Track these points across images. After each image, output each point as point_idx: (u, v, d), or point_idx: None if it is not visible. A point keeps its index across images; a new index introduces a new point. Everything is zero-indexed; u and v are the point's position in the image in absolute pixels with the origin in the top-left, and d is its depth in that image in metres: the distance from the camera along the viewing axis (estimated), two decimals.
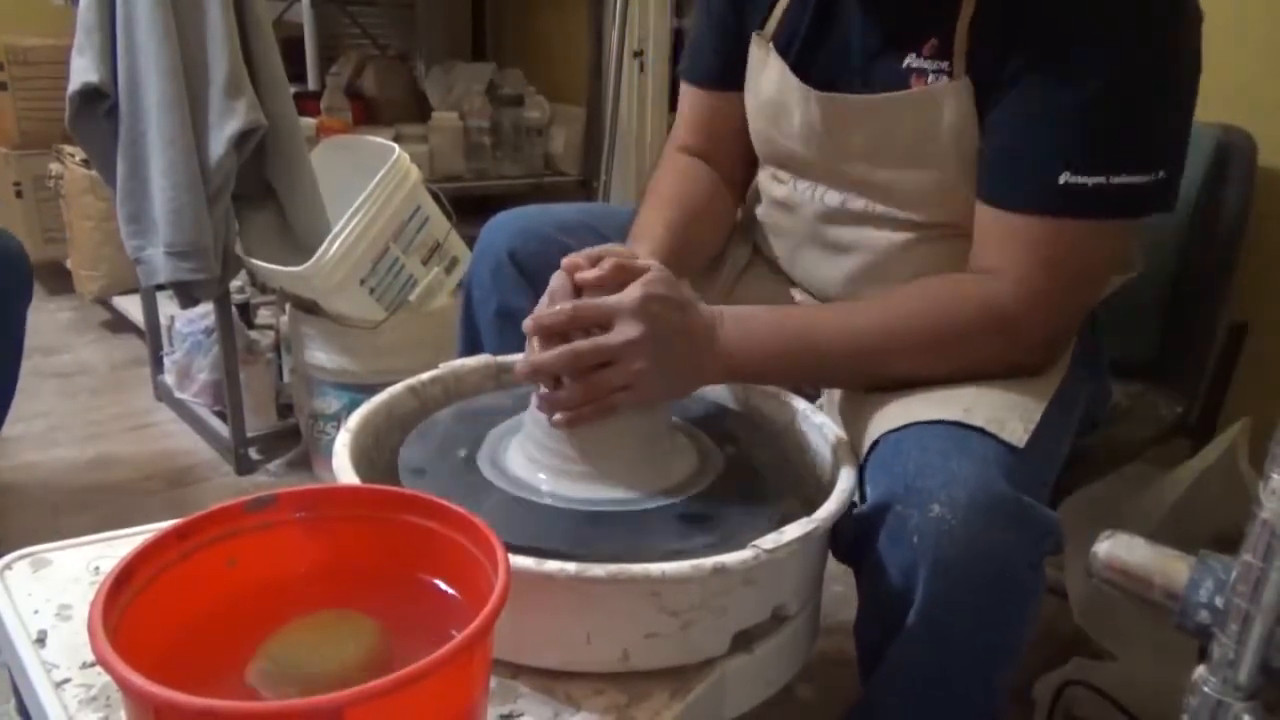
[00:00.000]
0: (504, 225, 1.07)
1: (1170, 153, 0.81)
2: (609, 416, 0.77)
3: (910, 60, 0.87)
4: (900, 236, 0.93)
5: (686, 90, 1.11)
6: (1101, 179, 0.77)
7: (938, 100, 0.85)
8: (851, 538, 0.77)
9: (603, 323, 0.75)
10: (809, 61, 0.95)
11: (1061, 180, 0.78)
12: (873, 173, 0.92)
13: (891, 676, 0.77)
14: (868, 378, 0.85)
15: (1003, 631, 0.74)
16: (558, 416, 0.77)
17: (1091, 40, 0.77)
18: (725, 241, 1.10)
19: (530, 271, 1.03)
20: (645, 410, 0.80)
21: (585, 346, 0.75)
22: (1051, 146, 0.79)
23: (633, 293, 0.75)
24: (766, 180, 1.06)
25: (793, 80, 0.94)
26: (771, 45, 0.97)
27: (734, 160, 1.09)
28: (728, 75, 1.04)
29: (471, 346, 1.08)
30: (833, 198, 0.97)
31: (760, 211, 1.08)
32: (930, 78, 0.86)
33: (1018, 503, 0.70)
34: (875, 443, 0.81)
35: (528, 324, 0.77)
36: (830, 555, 0.84)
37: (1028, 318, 0.81)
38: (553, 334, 0.76)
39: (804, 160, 0.99)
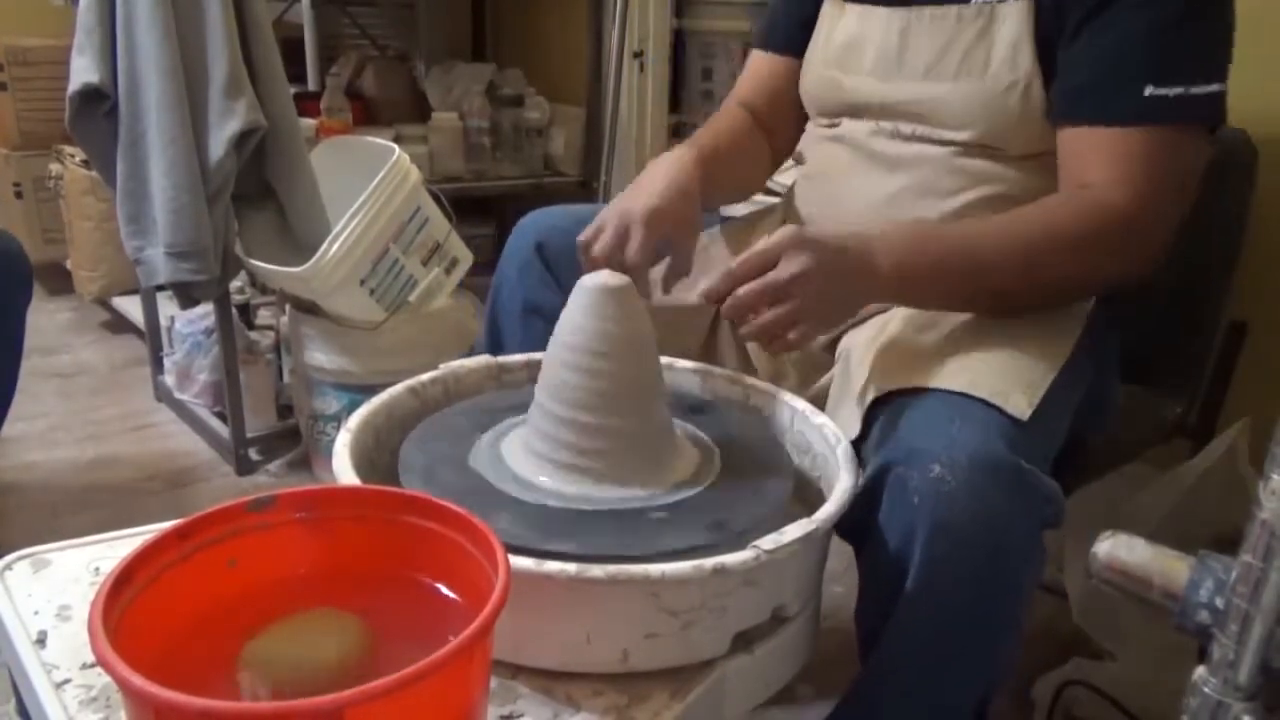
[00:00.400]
0: (532, 223, 1.10)
1: (1224, 67, 0.88)
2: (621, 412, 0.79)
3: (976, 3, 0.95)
4: (945, 151, 0.97)
5: (759, 56, 1.19)
6: (1181, 89, 0.85)
7: (998, 15, 0.93)
8: (856, 510, 0.77)
9: (766, 266, 0.80)
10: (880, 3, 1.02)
11: (1146, 93, 0.85)
12: (928, 89, 0.97)
13: (890, 648, 0.78)
14: (1017, 293, 0.88)
15: (1000, 600, 0.74)
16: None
17: None
18: (756, 187, 1.20)
19: (556, 265, 1.05)
20: (646, 410, 0.80)
21: (753, 291, 0.80)
22: (1134, 64, 0.86)
23: (784, 231, 0.81)
24: (816, 130, 1.12)
25: (873, 10, 1.02)
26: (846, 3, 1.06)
27: (785, 126, 1.17)
28: (791, 42, 1.13)
29: (495, 344, 1.09)
30: (885, 125, 1.02)
31: (807, 162, 1.14)
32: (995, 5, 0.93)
33: (1018, 468, 0.71)
34: (878, 409, 0.82)
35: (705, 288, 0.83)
36: (830, 555, 0.84)
37: (1145, 219, 0.87)
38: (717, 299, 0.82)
39: (863, 102, 1.04)
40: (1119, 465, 1.18)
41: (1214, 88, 0.87)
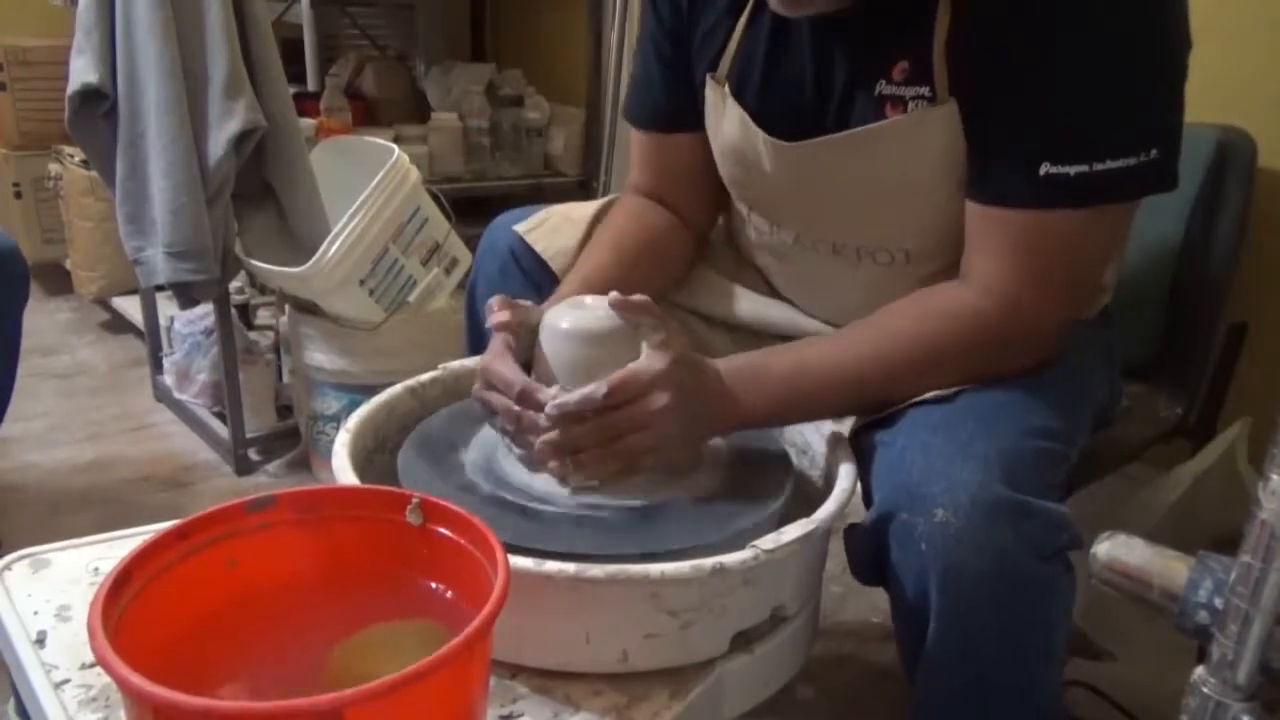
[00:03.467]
0: (507, 226, 1.07)
1: (1161, 131, 0.76)
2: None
3: (881, 88, 0.82)
4: (893, 268, 0.92)
5: (646, 138, 1.06)
6: (1084, 167, 0.74)
7: (924, 128, 0.81)
8: (868, 556, 0.77)
9: (638, 396, 0.74)
10: (769, 104, 0.89)
11: (1042, 172, 0.75)
12: (856, 213, 0.90)
13: (927, 689, 0.77)
14: (869, 405, 0.84)
15: (1027, 634, 0.73)
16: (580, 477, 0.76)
17: (1064, 27, 0.74)
18: (674, 283, 1.06)
19: (533, 272, 1.03)
20: None
21: (620, 418, 0.74)
22: (1030, 139, 0.76)
23: (660, 362, 0.74)
24: (748, 217, 1.02)
25: (756, 131, 0.89)
26: (728, 88, 0.92)
27: (692, 200, 1.05)
28: (677, 117, 1.00)
29: (477, 346, 1.07)
30: (823, 246, 0.94)
31: (763, 258, 1.06)
32: (910, 105, 0.81)
33: (1020, 503, 0.70)
34: (877, 436, 0.81)
35: (551, 411, 0.74)
36: (829, 555, 0.84)
37: (1012, 323, 0.80)
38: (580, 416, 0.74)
39: (780, 205, 0.95)
40: (1119, 465, 1.18)
41: (1128, 162, 0.74)
